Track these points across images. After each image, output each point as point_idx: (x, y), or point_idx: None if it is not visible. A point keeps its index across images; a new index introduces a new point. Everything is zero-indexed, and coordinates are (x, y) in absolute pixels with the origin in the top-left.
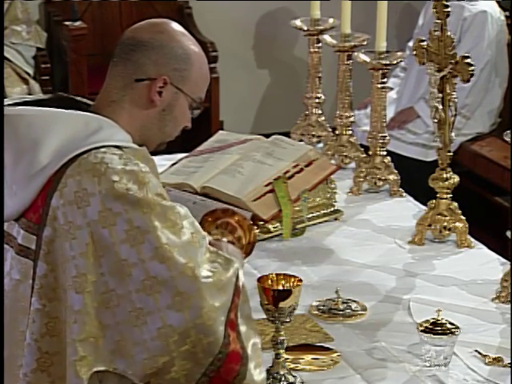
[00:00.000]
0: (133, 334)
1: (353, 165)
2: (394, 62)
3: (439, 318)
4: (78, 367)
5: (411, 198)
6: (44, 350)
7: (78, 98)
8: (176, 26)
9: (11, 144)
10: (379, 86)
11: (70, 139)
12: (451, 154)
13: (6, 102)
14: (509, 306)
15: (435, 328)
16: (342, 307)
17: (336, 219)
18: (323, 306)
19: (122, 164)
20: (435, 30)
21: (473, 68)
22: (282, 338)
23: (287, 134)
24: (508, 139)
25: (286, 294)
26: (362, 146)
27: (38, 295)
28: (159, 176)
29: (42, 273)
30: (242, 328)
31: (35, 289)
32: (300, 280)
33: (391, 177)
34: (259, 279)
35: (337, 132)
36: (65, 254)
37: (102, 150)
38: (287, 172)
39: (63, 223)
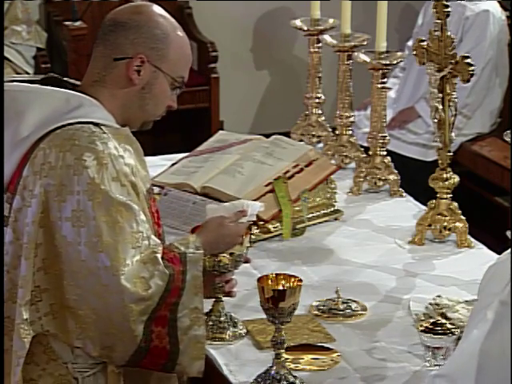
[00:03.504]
0: (66, 303)
1: (353, 165)
2: (394, 62)
3: (439, 318)
4: (21, 330)
5: (411, 198)
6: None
7: (66, 79)
8: (156, 8)
9: None
10: (379, 86)
11: (51, 114)
12: (451, 154)
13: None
14: None
15: (435, 328)
16: (342, 307)
17: (336, 219)
18: (323, 305)
19: (87, 142)
20: (435, 30)
21: (473, 68)
22: (282, 337)
23: (287, 134)
24: (508, 139)
25: (285, 293)
26: (361, 146)
27: (4, 261)
28: (145, 160)
29: (9, 239)
30: (181, 323)
31: (4, 256)
32: (300, 280)
33: (391, 177)
34: (259, 279)
35: (337, 132)
36: (23, 220)
37: (77, 126)
38: (287, 172)
39: (26, 191)
